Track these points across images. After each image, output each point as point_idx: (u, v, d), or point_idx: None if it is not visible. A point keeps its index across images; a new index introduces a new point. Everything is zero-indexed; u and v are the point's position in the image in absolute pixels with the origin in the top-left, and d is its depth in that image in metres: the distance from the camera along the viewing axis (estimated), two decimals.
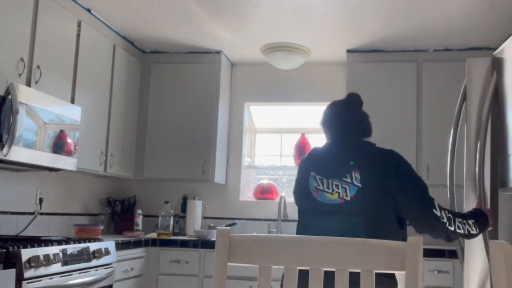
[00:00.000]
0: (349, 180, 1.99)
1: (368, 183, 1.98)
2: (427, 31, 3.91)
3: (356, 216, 1.96)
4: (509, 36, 2.87)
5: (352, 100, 2.32)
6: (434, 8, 3.49)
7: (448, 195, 2.93)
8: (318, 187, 2.04)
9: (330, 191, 2.01)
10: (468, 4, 3.42)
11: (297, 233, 2.21)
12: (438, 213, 2.03)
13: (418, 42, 4.15)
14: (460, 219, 2.09)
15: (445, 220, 2.03)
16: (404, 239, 1.97)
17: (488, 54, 3.10)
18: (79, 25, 3.59)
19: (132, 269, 3.77)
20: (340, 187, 2.00)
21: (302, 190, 2.13)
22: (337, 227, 1.97)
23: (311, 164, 2.14)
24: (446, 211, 2.07)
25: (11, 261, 2.43)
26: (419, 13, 3.59)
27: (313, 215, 2.06)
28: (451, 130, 3.03)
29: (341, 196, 1.99)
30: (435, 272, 3.72)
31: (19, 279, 2.43)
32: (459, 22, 3.72)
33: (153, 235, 4.28)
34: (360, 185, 1.97)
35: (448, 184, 2.92)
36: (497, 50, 2.74)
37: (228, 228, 1.33)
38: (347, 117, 2.28)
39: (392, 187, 2.01)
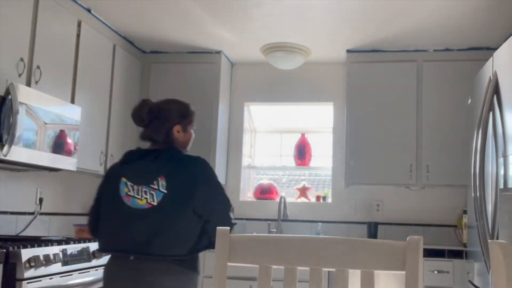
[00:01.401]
0: (156, 186, 2.15)
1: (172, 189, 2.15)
2: (427, 31, 3.91)
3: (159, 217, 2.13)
4: (509, 36, 2.87)
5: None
6: (434, 8, 3.49)
7: (472, 195, 2.93)
8: (129, 193, 2.16)
9: (140, 197, 2.15)
10: (468, 4, 3.42)
11: (101, 237, 2.28)
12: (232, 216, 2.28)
13: (418, 42, 4.15)
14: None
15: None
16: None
17: (488, 54, 3.10)
18: (79, 25, 3.59)
19: None
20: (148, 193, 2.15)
21: (111, 195, 2.22)
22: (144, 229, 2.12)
23: (123, 171, 2.24)
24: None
25: (11, 261, 2.43)
26: (419, 13, 3.59)
27: (122, 219, 2.16)
28: (474, 132, 3.02)
29: (148, 201, 2.13)
30: (435, 272, 3.72)
31: (19, 279, 2.43)
32: (459, 22, 3.72)
33: None
34: (165, 191, 2.13)
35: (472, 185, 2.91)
36: (497, 50, 2.75)
37: (228, 228, 1.33)
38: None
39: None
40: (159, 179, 2.15)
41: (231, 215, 2.29)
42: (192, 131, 2.44)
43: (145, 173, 2.18)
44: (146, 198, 2.13)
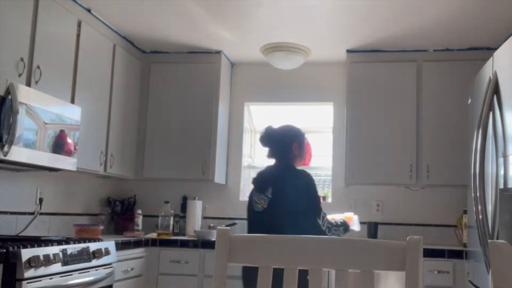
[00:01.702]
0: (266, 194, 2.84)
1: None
2: (427, 31, 3.91)
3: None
4: (509, 36, 2.87)
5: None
6: (434, 8, 3.49)
7: (472, 195, 2.94)
8: (255, 199, 2.88)
9: (258, 202, 2.85)
10: (468, 4, 3.42)
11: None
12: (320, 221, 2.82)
13: (418, 42, 4.15)
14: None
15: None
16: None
17: (488, 54, 3.10)
18: (79, 25, 3.59)
19: (132, 269, 3.77)
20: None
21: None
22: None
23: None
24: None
25: (11, 261, 2.43)
26: (419, 13, 3.59)
27: (251, 219, 2.94)
28: (474, 132, 3.02)
29: (263, 205, 2.83)
30: (435, 272, 3.72)
31: (19, 279, 2.43)
32: (459, 22, 3.72)
33: (153, 235, 4.28)
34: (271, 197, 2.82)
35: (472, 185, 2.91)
36: (497, 50, 2.75)
37: (228, 228, 1.33)
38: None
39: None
40: (268, 188, 2.82)
41: (318, 221, 2.80)
42: (304, 149, 3.11)
43: (262, 184, 2.88)
44: (261, 203, 2.82)
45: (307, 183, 2.84)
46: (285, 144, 2.98)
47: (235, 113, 4.87)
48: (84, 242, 3.07)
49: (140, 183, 4.77)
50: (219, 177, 4.56)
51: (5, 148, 2.69)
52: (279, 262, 1.30)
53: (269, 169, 2.98)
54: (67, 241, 2.92)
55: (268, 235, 1.36)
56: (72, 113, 3.34)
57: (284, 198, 2.78)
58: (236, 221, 4.62)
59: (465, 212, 3.86)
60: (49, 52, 3.25)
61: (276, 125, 3.07)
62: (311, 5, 3.53)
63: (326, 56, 4.55)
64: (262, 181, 2.90)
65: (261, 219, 2.81)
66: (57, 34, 3.34)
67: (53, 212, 3.82)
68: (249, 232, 2.89)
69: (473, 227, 2.96)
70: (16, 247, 2.47)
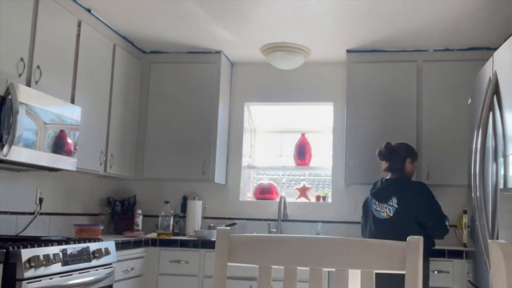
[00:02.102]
0: (391, 203, 3.36)
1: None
2: (427, 31, 3.91)
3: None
4: (509, 36, 2.87)
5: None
6: (434, 8, 3.49)
7: (472, 195, 2.93)
8: (377, 208, 3.40)
9: (382, 210, 3.36)
10: (468, 4, 3.42)
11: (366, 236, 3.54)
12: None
13: (418, 42, 4.15)
14: None
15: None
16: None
17: (488, 54, 3.10)
18: (79, 25, 3.59)
19: (132, 269, 3.77)
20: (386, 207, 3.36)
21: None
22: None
23: (373, 194, 3.51)
24: None
25: (11, 261, 2.43)
26: (419, 13, 3.59)
27: (374, 226, 3.45)
28: (474, 132, 3.02)
29: (387, 213, 3.36)
30: (435, 272, 3.72)
31: (19, 279, 2.43)
32: (459, 22, 3.72)
33: (153, 235, 4.28)
34: (396, 206, 3.34)
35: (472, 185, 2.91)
36: (497, 50, 2.75)
37: (228, 228, 1.33)
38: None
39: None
40: (392, 198, 3.33)
41: (446, 223, 3.40)
42: (415, 165, 3.63)
43: (385, 194, 3.37)
44: (385, 212, 3.32)
45: (427, 192, 3.36)
46: (402, 159, 3.50)
47: (235, 113, 4.87)
48: (84, 242, 3.07)
49: (140, 183, 4.77)
50: (219, 177, 4.56)
51: (5, 148, 2.69)
52: (279, 262, 1.30)
53: (388, 181, 3.48)
54: (67, 241, 2.92)
55: (268, 235, 1.36)
56: (72, 113, 3.34)
57: (410, 207, 3.28)
58: (236, 221, 4.63)
59: (465, 212, 3.86)
60: (49, 52, 3.25)
61: (393, 141, 3.62)
62: (311, 5, 3.53)
63: (326, 56, 4.55)
64: (384, 191, 3.39)
65: (387, 225, 3.31)
66: (57, 34, 3.34)
67: (53, 212, 3.82)
68: (370, 237, 3.35)
69: (473, 227, 2.96)
70: (16, 247, 2.47)
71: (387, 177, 3.55)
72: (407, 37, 4.05)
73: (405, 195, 3.34)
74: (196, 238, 4.13)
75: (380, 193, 3.42)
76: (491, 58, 2.83)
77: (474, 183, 2.74)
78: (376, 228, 3.38)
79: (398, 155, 3.51)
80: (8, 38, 2.89)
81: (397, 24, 3.82)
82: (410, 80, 4.25)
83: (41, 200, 3.60)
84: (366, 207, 3.55)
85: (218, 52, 4.54)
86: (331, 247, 1.29)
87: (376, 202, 3.40)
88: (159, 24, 4.00)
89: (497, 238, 2.50)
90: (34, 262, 2.51)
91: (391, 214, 3.32)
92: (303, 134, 4.89)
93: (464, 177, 3.63)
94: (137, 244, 3.89)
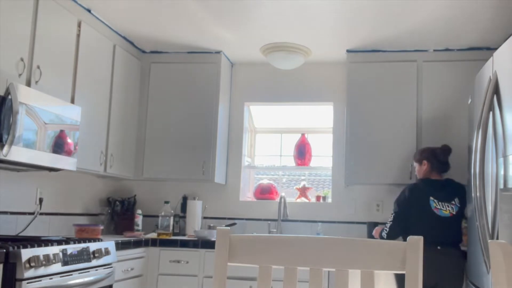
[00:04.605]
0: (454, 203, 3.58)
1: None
2: (427, 31, 3.91)
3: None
4: (509, 36, 2.87)
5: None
6: (434, 8, 3.49)
7: (472, 195, 2.92)
8: (436, 206, 3.55)
9: (444, 208, 3.55)
10: (468, 4, 3.42)
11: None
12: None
13: (418, 42, 4.15)
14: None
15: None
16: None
17: (488, 54, 3.10)
18: (79, 25, 3.59)
19: (132, 269, 3.77)
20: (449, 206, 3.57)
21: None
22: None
23: (430, 192, 3.63)
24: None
25: (11, 261, 2.43)
26: (419, 13, 3.59)
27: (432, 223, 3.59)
28: (474, 132, 3.01)
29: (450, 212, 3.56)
30: None
31: (19, 279, 2.43)
32: (459, 22, 3.72)
33: (153, 235, 4.28)
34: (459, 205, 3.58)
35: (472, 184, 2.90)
36: (497, 50, 2.75)
37: (228, 228, 1.33)
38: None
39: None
40: (455, 198, 3.56)
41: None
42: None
43: (447, 193, 3.58)
44: (448, 210, 3.52)
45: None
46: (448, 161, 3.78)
47: (235, 113, 4.87)
48: (84, 242, 3.07)
49: (140, 183, 4.77)
50: (219, 177, 4.56)
51: (5, 148, 2.69)
52: (279, 262, 1.30)
53: (447, 181, 3.69)
54: (67, 241, 2.92)
55: (268, 235, 1.36)
56: (72, 113, 3.34)
57: (466, 208, 3.43)
58: (236, 221, 4.63)
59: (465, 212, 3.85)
60: (49, 52, 3.25)
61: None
62: (311, 5, 3.53)
63: (326, 56, 4.55)
64: (447, 191, 3.58)
65: (449, 223, 3.51)
66: (57, 34, 3.34)
67: (53, 212, 3.82)
68: (431, 235, 3.29)
69: (473, 227, 2.96)
70: (16, 247, 2.47)
71: (434, 177, 3.71)
72: (407, 37, 4.05)
73: (464, 197, 3.51)
74: (196, 238, 4.13)
75: (442, 191, 3.58)
76: (491, 58, 2.83)
77: (474, 183, 2.74)
78: (436, 225, 3.51)
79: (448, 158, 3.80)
80: (8, 38, 2.89)
81: (397, 24, 3.82)
82: (410, 80, 4.25)
83: (41, 200, 3.60)
84: (424, 203, 3.57)
85: (218, 52, 4.54)
86: (331, 247, 1.29)
87: (436, 201, 3.53)
88: (159, 24, 4.00)
89: (497, 238, 2.50)
90: (34, 262, 2.51)
91: (454, 213, 3.51)
92: (303, 134, 4.89)
93: (464, 177, 3.63)
94: (137, 244, 3.89)
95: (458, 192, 3.59)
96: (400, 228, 3.62)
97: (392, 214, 3.66)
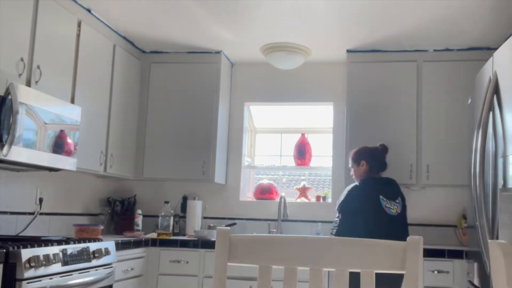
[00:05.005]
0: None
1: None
2: (427, 31, 3.91)
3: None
4: (509, 36, 2.87)
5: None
6: (434, 8, 3.49)
7: (472, 195, 2.92)
8: (386, 204, 3.40)
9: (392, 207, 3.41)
10: (468, 4, 3.42)
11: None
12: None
13: (418, 42, 4.15)
14: None
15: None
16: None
17: (488, 54, 3.10)
18: (79, 25, 3.59)
19: (132, 269, 3.77)
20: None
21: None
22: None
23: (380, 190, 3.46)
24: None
25: (11, 261, 2.43)
26: (419, 13, 3.59)
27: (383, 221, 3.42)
28: (474, 132, 3.00)
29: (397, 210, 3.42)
30: (435, 272, 3.72)
31: (19, 279, 2.43)
32: (459, 22, 3.72)
33: (153, 235, 4.28)
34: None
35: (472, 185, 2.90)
36: (497, 50, 2.75)
37: (228, 228, 1.33)
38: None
39: None
40: (398, 197, 3.45)
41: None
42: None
43: (392, 192, 3.46)
44: (395, 209, 3.38)
45: None
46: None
47: (235, 113, 4.87)
48: (84, 242, 3.07)
49: (140, 183, 4.77)
50: (219, 177, 4.56)
51: (5, 148, 2.69)
52: (279, 262, 1.30)
53: (388, 179, 3.58)
54: (67, 241, 2.92)
55: (268, 235, 1.36)
56: (72, 113, 3.34)
57: (405, 208, 3.45)
58: (236, 221, 4.63)
59: (465, 212, 3.86)
60: (49, 52, 3.25)
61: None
62: (311, 5, 3.53)
63: (326, 56, 4.55)
64: (392, 189, 3.48)
65: (397, 222, 3.39)
66: (57, 34, 3.34)
67: (53, 212, 3.82)
68: (380, 233, 2.99)
69: (473, 227, 2.96)
70: (16, 247, 2.47)
71: (377, 176, 3.59)
72: (407, 37, 4.05)
73: (403, 195, 3.51)
74: (196, 238, 4.13)
75: (389, 190, 3.45)
76: (491, 58, 2.83)
77: (474, 183, 2.74)
78: (386, 223, 3.37)
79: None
80: (8, 38, 2.89)
81: (397, 24, 3.82)
82: (410, 80, 4.25)
83: (41, 200, 3.60)
84: (376, 202, 3.40)
85: (218, 52, 4.54)
86: (331, 247, 1.29)
87: (385, 199, 3.40)
88: (159, 24, 4.00)
89: (497, 238, 2.50)
90: (34, 262, 2.51)
91: (399, 211, 3.40)
92: (303, 134, 4.89)
93: (464, 177, 3.63)
94: (137, 244, 3.89)
95: (399, 191, 3.51)
96: (348, 228, 3.39)
97: (338, 216, 3.46)
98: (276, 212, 4.62)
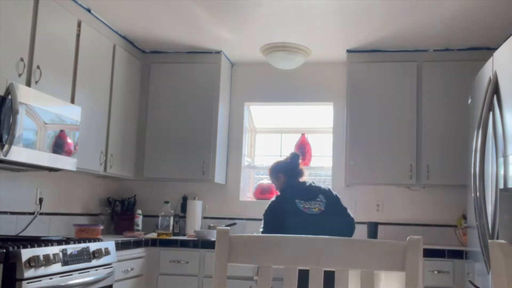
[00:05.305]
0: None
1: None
2: (427, 31, 3.91)
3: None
4: (509, 36, 2.87)
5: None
6: (434, 8, 3.49)
7: (472, 195, 2.92)
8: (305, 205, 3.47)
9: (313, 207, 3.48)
10: (468, 4, 3.42)
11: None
12: None
13: (418, 42, 4.15)
14: None
15: None
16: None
17: (488, 54, 3.10)
18: (79, 25, 3.59)
19: (132, 269, 3.77)
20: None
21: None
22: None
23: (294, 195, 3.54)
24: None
25: (11, 261, 2.43)
26: (419, 13, 3.59)
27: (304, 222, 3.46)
28: (474, 132, 3.01)
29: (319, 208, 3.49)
30: (435, 272, 3.72)
31: (19, 279, 2.43)
32: (459, 22, 3.72)
33: (153, 235, 4.28)
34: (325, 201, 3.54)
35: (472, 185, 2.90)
36: (497, 50, 2.75)
37: (228, 228, 1.33)
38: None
39: None
40: (319, 195, 3.52)
41: (351, 215, 3.61)
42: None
43: (309, 193, 3.53)
44: (317, 207, 3.45)
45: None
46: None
47: (235, 113, 4.87)
48: (84, 242, 3.07)
49: (140, 183, 4.77)
50: (219, 177, 4.56)
51: (5, 148, 2.69)
52: (279, 262, 1.30)
53: (305, 182, 3.65)
54: (67, 241, 2.92)
55: (268, 235, 1.36)
56: (72, 113, 3.34)
57: (335, 202, 3.53)
58: (236, 221, 4.63)
59: (465, 212, 3.85)
60: (49, 52, 3.25)
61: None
62: (311, 5, 3.53)
63: (326, 56, 4.55)
64: (309, 190, 3.56)
65: (321, 219, 3.44)
66: (57, 34, 3.34)
67: (53, 212, 3.82)
68: (302, 233, 3.19)
69: (473, 227, 2.96)
70: (16, 247, 2.47)
71: (294, 183, 3.68)
72: (407, 37, 4.05)
73: (327, 192, 3.59)
74: (196, 238, 4.13)
75: (304, 192, 3.54)
76: (491, 58, 2.83)
77: (474, 183, 2.74)
78: (308, 224, 3.43)
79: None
80: (8, 38, 2.89)
81: (397, 24, 3.82)
82: (410, 80, 4.25)
83: (41, 200, 3.60)
84: (289, 208, 3.50)
85: (218, 52, 4.54)
86: (331, 247, 1.29)
87: (302, 201, 3.49)
88: (159, 24, 4.00)
89: (497, 238, 2.50)
90: (34, 262, 2.51)
91: (323, 209, 3.46)
92: (303, 134, 4.88)
93: (464, 177, 3.63)
94: (137, 244, 3.89)
95: (319, 189, 3.58)
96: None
97: (261, 227, 3.52)
98: None
